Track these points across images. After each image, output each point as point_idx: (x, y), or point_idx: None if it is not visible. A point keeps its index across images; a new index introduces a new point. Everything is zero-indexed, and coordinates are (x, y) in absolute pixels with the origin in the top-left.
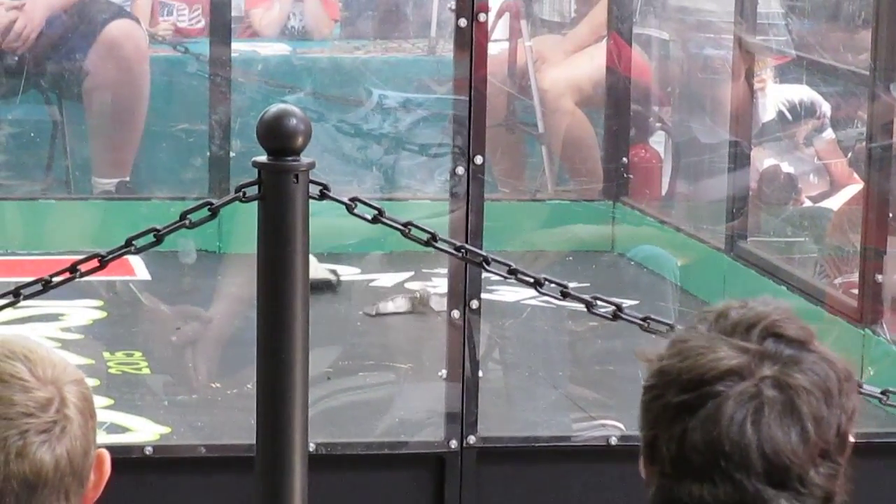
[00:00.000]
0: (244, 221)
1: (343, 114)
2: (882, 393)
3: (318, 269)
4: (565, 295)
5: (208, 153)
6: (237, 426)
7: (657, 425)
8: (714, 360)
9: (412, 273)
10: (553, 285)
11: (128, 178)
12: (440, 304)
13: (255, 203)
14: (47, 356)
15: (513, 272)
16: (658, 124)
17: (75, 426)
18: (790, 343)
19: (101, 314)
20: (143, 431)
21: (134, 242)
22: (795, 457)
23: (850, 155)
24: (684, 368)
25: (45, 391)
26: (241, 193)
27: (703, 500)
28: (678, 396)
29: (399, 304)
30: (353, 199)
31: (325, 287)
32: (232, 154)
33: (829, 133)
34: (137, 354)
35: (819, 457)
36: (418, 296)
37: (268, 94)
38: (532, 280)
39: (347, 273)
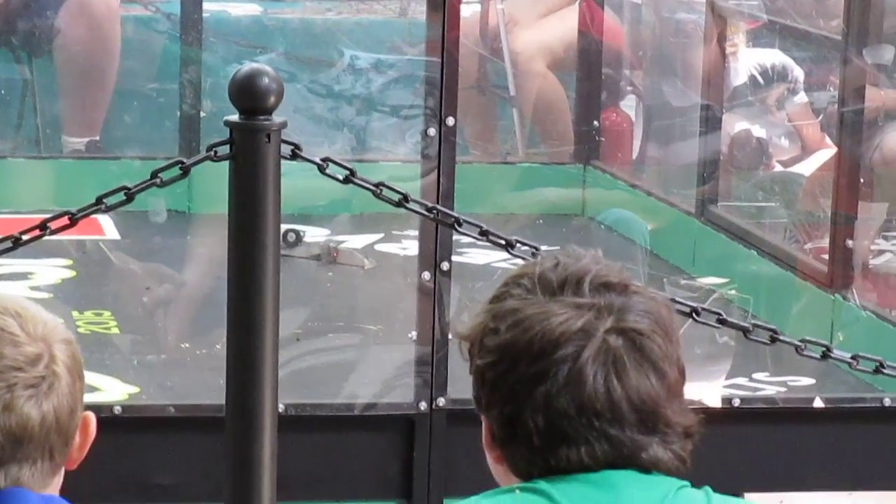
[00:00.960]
0: (214, 181)
1: (314, 75)
2: (852, 358)
3: None
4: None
5: (179, 113)
6: (206, 387)
7: (513, 400)
8: (559, 324)
9: (382, 235)
10: (524, 247)
11: (98, 138)
12: (349, 258)
13: (226, 163)
14: (38, 314)
15: (484, 233)
16: (629, 88)
17: (63, 384)
18: (618, 289)
19: (71, 273)
20: (113, 391)
21: (104, 201)
22: (659, 399)
23: (821, 119)
24: (531, 338)
25: (35, 347)
26: (212, 152)
27: (582, 462)
28: (532, 367)
29: (310, 249)
30: (324, 160)
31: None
32: (202, 114)
33: (801, 98)
34: (107, 314)
35: (673, 395)
36: (329, 245)
37: (239, 55)
38: (504, 242)
39: (317, 234)
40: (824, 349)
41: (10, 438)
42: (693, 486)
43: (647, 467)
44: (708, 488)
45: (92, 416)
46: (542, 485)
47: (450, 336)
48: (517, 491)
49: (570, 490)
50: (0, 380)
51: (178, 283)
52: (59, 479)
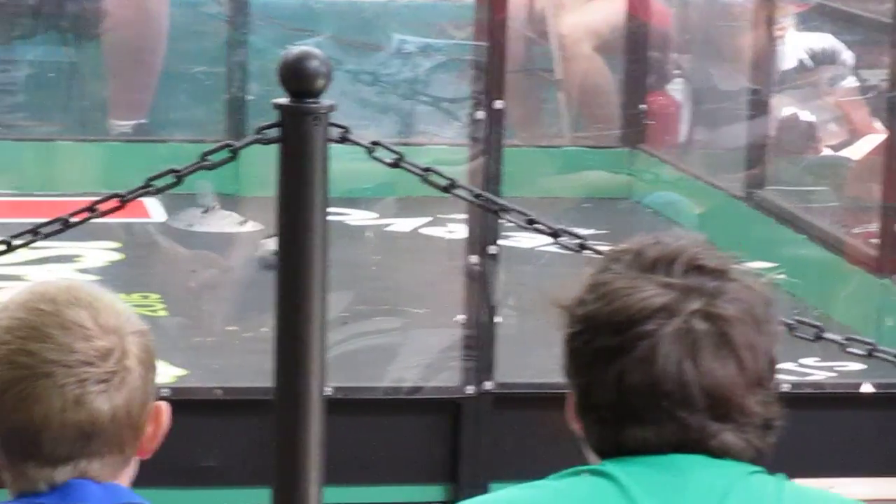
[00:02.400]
0: (261, 164)
1: (362, 59)
2: None
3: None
4: (583, 248)
5: (226, 96)
6: (253, 369)
7: (590, 371)
8: (642, 300)
9: (429, 219)
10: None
11: (145, 120)
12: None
13: (274, 146)
14: (112, 305)
15: (531, 222)
16: (676, 71)
17: (135, 377)
18: (712, 274)
19: (118, 256)
20: (160, 374)
21: (153, 183)
22: (735, 388)
23: (871, 103)
24: (613, 311)
25: (107, 340)
26: (261, 135)
27: (648, 441)
28: (609, 340)
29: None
30: (373, 143)
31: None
32: (249, 97)
33: (850, 82)
34: (154, 297)
35: (755, 385)
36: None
37: (286, 38)
38: (550, 231)
39: (364, 218)
40: (871, 347)
41: (80, 433)
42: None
43: (716, 455)
44: (782, 475)
45: (165, 406)
46: (608, 467)
47: (496, 320)
48: (584, 474)
49: (637, 473)
50: (71, 375)
51: (226, 271)
52: (129, 470)
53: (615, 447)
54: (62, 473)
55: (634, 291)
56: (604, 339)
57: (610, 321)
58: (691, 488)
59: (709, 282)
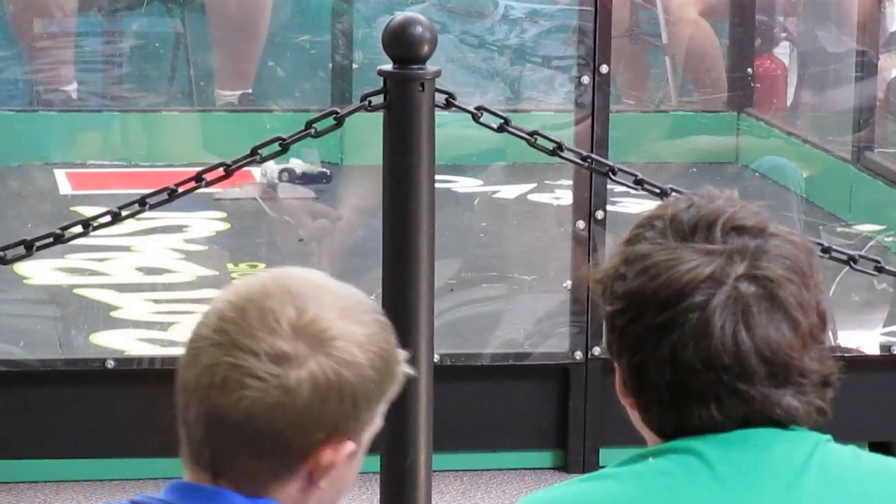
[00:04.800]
0: (366, 132)
1: (466, 25)
2: None
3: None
4: None
5: (330, 65)
6: None
7: (641, 349)
8: (687, 271)
9: (535, 185)
10: (678, 195)
11: (250, 90)
12: (287, 192)
13: (378, 114)
14: (337, 320)
15: (639, 182)
16: (783, 34)
17: (297, 394)
18: (752, 233)
19: (225, 225)
20: None
21: (259, 152)
22: (792, 350)
23: None
24: (659, 286)
25: (290, 346)
26: (366, 102)
27: (714, 420)
28: (659, 316)
29: (246, 190)
30: (478, 108)
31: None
32: (354, 65)
33: None
34: (261, 266)
35: (810, 343)
36: (266, 181)
37: (391, 6)
38: (658, 190)
39: (470, 185)
40: None
41: (214, 418)
42: (852, 433)
43: (783, 422)
44: (854, 447)
45: (348, 447)
46: (686, 447)
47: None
48: (650, 458)
49: (716, 452)
50: (233, 356)
51: (337, 220)
52: (293, 491)
53: (678, 427)
54: (201, 455)
55: (678, 262)
56: (652, 315)
57: (656, 297)
58: (770, 464)
59: (750, 241)
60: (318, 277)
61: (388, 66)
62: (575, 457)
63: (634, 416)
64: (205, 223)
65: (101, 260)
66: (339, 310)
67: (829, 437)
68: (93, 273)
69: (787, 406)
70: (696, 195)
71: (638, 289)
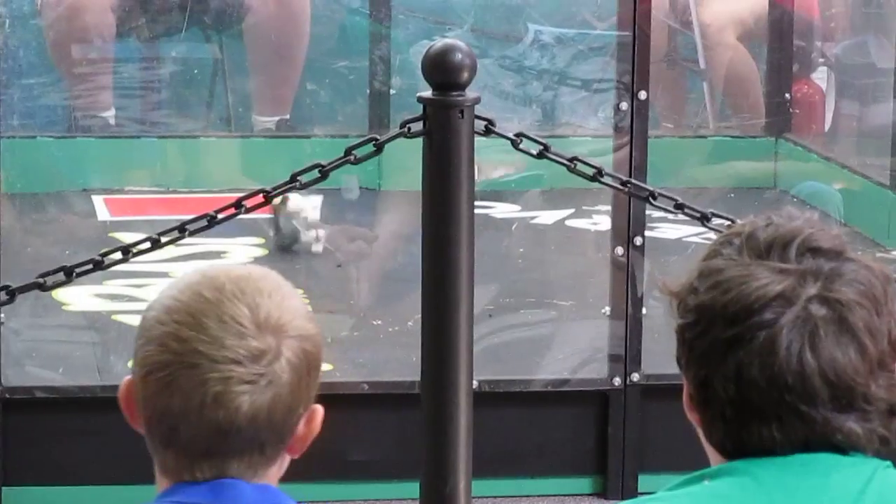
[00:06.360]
0: (405, 158)
1: (501, 50)
2: None
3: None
4: None
5: (368, 90)
6: (399, 363)
7: (707, 364)
8: (758, 288)
9: (573, 210)
10: (719, 220)
11: (288, 116)
12: (297, 201)
13: (417, 140)
14: (280, 303)
15: (679, 207)
16: (821, 59)
17: (283, 382)
18: (828, 255)
19: (263, 251)
20: None
21: (299, 178)
22: (857, 375)
23: None
24: (729, 301)
25: (261, 341)
26: (406, 129)
27: (774, 440)
28: (726, 331)
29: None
30: (518, 135)
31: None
32: (392, 91)
33: None
34: (299, 291)
35: (877, 369)
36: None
37: (428, 31)
38: (699, 215)
39: (508, 210)
40: None
41: (216, 430)
42: None
43: (843, 448)
44: None
45: (319, 410)
46: (745, 469)
47: (643, 311)
48: (706, 480)
49: (774, 476)
50: (215, 371)
51: (373, 240)
52: (276, 469)
53: (739, 445)
54: (201, 468)
55: (749, 279)
56: (720, 330)
57: (726, 311)
58: (827, 491)
59: (825, 264)
60: (232, 270)
61: (428, 93)
62: (614, 483)
63: (700, 432)
64: (243, 249)
65: (139, 286)
66: (269, 293)
67: (888, 463)
68: (131, 299)
69: (848, 431)
70: (776, 214)
71: (708, 303)
